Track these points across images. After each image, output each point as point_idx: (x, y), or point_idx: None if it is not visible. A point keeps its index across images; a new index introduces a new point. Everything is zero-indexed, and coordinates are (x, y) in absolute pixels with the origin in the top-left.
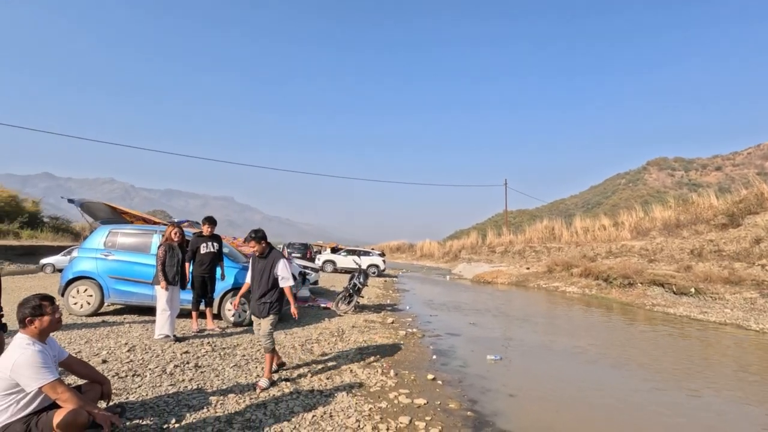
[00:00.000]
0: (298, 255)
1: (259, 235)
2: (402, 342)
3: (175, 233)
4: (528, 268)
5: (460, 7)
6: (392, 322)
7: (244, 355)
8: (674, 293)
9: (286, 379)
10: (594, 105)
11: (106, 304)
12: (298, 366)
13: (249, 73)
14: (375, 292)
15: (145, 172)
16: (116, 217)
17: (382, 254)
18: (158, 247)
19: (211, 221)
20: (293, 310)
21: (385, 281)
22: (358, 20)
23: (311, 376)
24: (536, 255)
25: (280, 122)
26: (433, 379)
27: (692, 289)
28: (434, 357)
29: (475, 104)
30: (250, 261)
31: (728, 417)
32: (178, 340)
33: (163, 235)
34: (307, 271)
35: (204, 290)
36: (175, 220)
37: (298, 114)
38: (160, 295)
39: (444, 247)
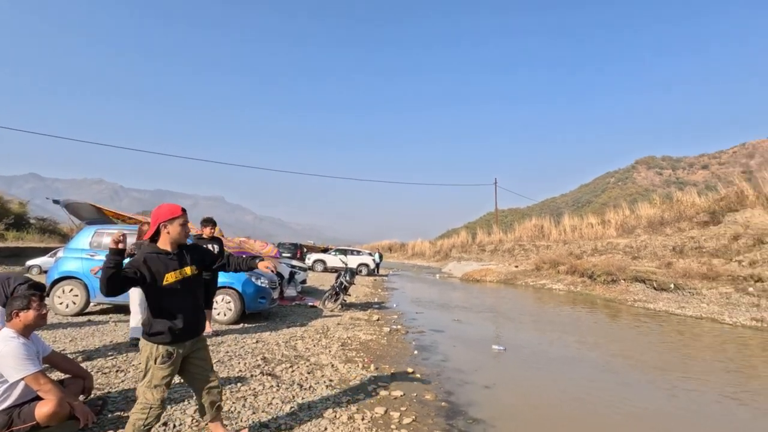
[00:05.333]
0: (288, 255)
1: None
2: (385, 338)
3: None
4: (517, 266)
5: (453, 3)
6: (378, 320)
7: (227, 352)
8: (655, 289)
9: (269, 374)
10: (587, 101)
11: (92, 303)
12: (281, 362)
13: (238, 72)
14: (363, 290)
15: (135, 173)
16: (102, 217)
17: (380, 254)
18: (130, 246)
19: (210, 222)
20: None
21: (375, 280)
22: (348, 18)
23: (292, 371)
24: (525, 253)
25: (275, 122)
26: (413, 372)
27: (672, 285)
28: (416, 352)
29: (467, 101)
30: None
31: (700, 408)
32: None
33: (137, 234)
34: (295, 270)
35: (206, 292)
36: None
37: (292, 113)
38: (133, 296)
39: (435, 246)
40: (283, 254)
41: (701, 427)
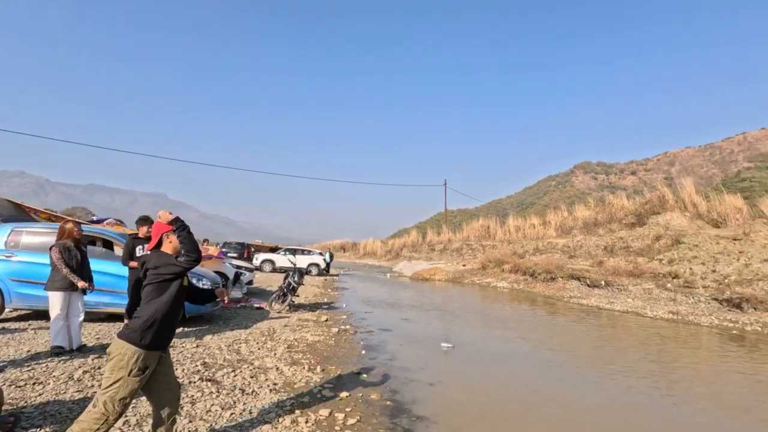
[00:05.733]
0: (235, 255)
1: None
2: (333, 339)
3: (75, 231)
4: (464, 265)
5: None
6: (326, 320)
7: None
8: (588, 286)
9: (208, 380)
10: (536, 104)
11: (7, 309)
12: (222, 366)
13: (184, 66)
14: (313, 291)
15: (63, 166)
16: (21, 214)
17: (331, 254)
18: (50, 249)
19: (146, 221)
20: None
21: (325, 280)
22: (305, 15)
23: (234, 376)
24: (472, 252)
25: (222, 118)
26: (359, 372)
27: (603, 282)
28: (363, 352)
29: (419, 102)
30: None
31: (627, 398)
32: (77, 349)
33: (58, 233)
34: (241, 270)
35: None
36: (95, 218)
37: (243, 109)
38: (54, 301)
39: (386, 246)
40: (229, 254)
41: (627, 417)
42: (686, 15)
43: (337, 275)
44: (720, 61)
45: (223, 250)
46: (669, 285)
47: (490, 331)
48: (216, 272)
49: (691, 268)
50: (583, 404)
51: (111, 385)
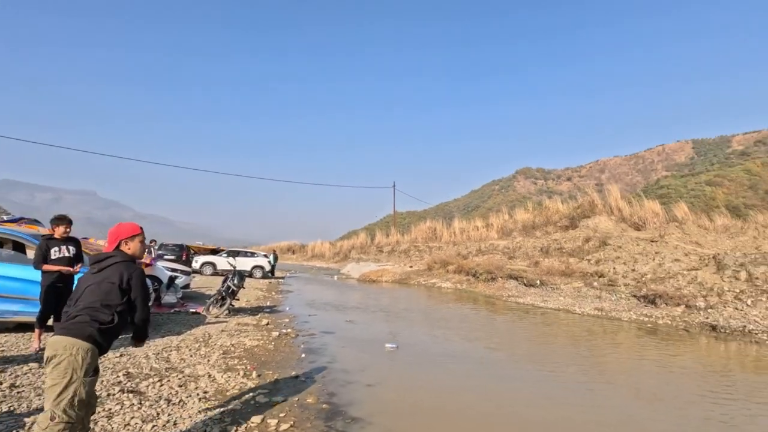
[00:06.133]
0: (172, 257)
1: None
2: (273, 343)
3: None
4: (411, 267)
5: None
6: (267, 324)
7: None
8: (525, 285)
9: (130, 391)
10: (483, 109)
11: None
12: (148, 376)
13: (118, 56)
14: (255, 294)
15: None
16: None
17: (276, 255)
18: None
19: (63, 220)
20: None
21: (270, 282)
22: (254, 23)
23: (161, 385)
24: (419, 254)
25: (165, 117)
26: (296, 376)
27: (538, 281)
28: (303, 355)
29: (369, 105)
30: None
31: (560, 392)
32: None
33: None
34: (176, 274)
35: (58, 303)
36: (5, 218)
37: (188, 110)
38: None
39: (335, 248)
40: (166, 257)
41: (559, 410)
42: (626, 20)
43: (282, 278)
44: (638, 69)
45: (159, 252)
46: (595, 283)
47: (433, 331)
48: (148, 276)
49: (614, 268)
50: (518, 400)
51: (65, 389)
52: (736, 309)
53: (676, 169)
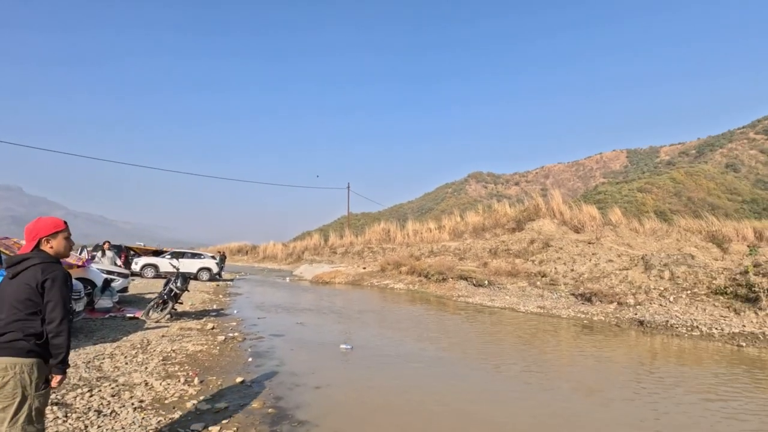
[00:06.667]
0: None
1: None
2: (218, 347)
3: None
4: (364, 268)
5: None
6: (212, 328)
7: None
8: (474, 285)
9: (55, 403)
10: (435, 113)
11: None
12: (76, 386)
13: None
14: (201, 297)
15: None
16: None
17: (223, 256)
18: None
19: None
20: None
21: (217, 285)
22: (214, 24)
23: (90, 396)
24: (373, 255)
25: (103, 112)
26: (242, 381)
27: (486, 281)
28: (250, 359)
29: (325, 107)
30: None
31: (508, 389)
32: None
33: None
34: (112, 276)
35: None
36: None
37: (137, 100)
38: None
39: (288, 249)
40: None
41: (505, 405)
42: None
43: (231, 280)
44: (594, 78)
45: (93, 253)
46: (539, 283)
47: (385, 332)
48: (80, 279)
49: (555, 268)
50: (467, 398)
51: (19, 408)
52: (661, 305)
53: (612, 176)
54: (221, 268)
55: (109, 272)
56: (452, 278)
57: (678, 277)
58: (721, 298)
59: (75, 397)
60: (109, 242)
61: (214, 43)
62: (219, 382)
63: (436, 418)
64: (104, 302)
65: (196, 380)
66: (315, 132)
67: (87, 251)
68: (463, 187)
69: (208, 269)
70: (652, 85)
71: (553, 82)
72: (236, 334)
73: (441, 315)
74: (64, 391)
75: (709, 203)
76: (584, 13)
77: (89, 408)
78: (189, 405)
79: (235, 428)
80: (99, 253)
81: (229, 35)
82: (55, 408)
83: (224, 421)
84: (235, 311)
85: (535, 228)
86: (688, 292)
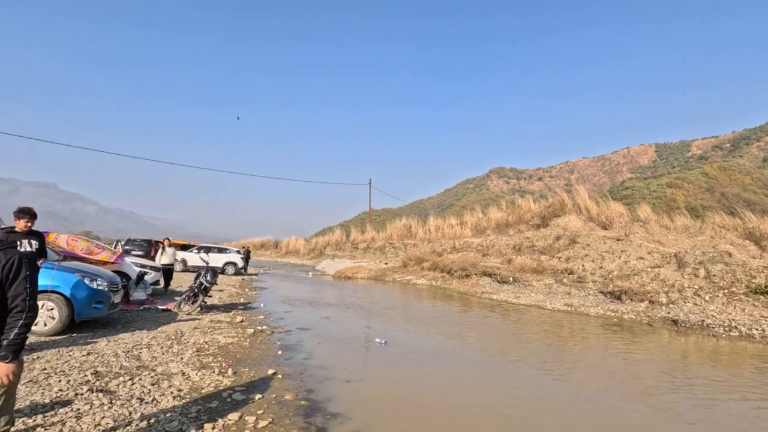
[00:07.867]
0: (140, 253)
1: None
2: (248, 340)
3: None
4: (386, 264)
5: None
6: (241, 321)
7: (45, 368)
8: (498, 282)
9: (100, 390)
10: (457, 107)
11: None
12: (118, 375)
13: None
14: (228, 291)
15: None
16: None
17: (248, 251)
18: None
19: (25, 214)
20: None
21: (243, 279)
22: (236, 9)
23: (132, 384)
24: (395, 251)
25: (134, 107)
26: (274, 373)
27: (511, 278)
28: (279, 352)
29: (347, 101)
30: None
31: (532, 386)
32: None
33: None
34: (146, 270)
35: None
36: None
37: (162, 101)
38: None
39: (309, 244)
40: (134, 252)
41: (533, 403)
42: (617, 27)
43: (255, 274)
44: (623, 75)
45: (127, 247)
46: (565, 280)
47: (411, 327)
48: (116, 272)
49: (583, 265)
50: (495, 394)
51: None
52: (695, 304)
53: (639, 171)
54: (246, 263)
55: (142, 266)
56: (475, 275)
57: (714, 275)
58: (762, 297)
59: (118, 385)
60: (169, 239)
61: (220, 44)
62: (251, 374)
63: (471, 418)
64: (139, 294)
65: (229, 371)
66: (333, 127)
67: (120, 245)
68: (484, 183)
69: (234, 263)
70: (681, 82)
71: (578, 79)
72: (264, 327)
73: (466, 312)
74: (107, 379)
75: (744, 199)
76: (605, 12)
77: (132, 395)
78: (224, 395)
79: (270, 419)
80: (160, 249)
81: (247, 23)
82: (100, 395)
83: (259, 412)
84: (262, 305)
85: (560, 224)
86: (725, 291)
